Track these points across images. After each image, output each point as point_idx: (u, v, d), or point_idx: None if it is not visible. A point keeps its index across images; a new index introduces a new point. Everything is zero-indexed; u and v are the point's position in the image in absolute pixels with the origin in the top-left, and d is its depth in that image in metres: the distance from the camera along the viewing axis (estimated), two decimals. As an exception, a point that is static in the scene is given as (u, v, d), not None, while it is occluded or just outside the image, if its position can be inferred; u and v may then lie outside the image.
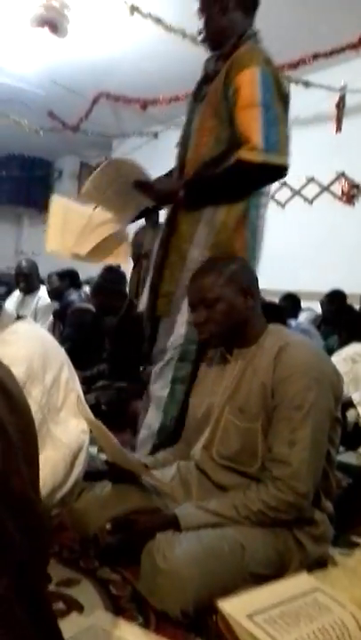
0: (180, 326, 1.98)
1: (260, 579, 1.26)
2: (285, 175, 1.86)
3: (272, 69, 1.85)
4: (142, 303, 2.12)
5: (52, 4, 3.97)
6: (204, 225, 1.89)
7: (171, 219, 1.98)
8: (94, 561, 1.45)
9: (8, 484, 0.72)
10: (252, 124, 1.81)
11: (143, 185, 1.87)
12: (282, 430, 1.36)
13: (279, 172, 1.84)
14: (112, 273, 3.57)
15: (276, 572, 1.31)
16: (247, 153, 1.79)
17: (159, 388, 1.97)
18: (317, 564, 1.39)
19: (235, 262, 1.58)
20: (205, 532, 1.29)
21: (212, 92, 1.89)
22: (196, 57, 4.32)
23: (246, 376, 1.49)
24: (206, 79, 1.99)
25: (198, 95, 2.01)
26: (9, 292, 5.20)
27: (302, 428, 1.34)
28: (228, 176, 1.86)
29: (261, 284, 1.62)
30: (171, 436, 1.91)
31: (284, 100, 1.87)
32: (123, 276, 3.76)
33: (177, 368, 1.95)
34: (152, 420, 1.97)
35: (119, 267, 3.54)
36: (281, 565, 1.33)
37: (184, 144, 2.01)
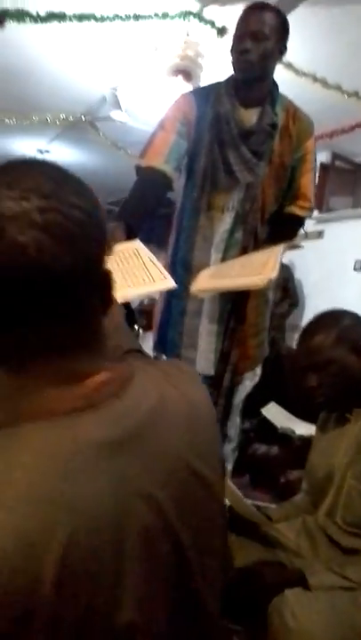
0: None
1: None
2: None
3: None
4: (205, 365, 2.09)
5: (188, 54, 4.15)
6: None
7: None
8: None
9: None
10: (310, 186, 2.14)
11: None
12: None
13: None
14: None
15: None
16: (302, 211, 2.15)
17: None
18: None
19: (343, 318, 1.47)
20: (339, 596, 1.24)
21: (285, 154, 2.07)
22: (326, 99, 4.35)
23: None
24: (265, 132, 2.04)
25: (258, 152, 2.03)
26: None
27: None
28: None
29: None
30: None
31: None
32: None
33: None
34: None
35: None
36: None
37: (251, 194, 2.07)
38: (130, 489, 0.62)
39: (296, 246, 1.97)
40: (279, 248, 1.83)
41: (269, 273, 1.72)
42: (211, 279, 1.92)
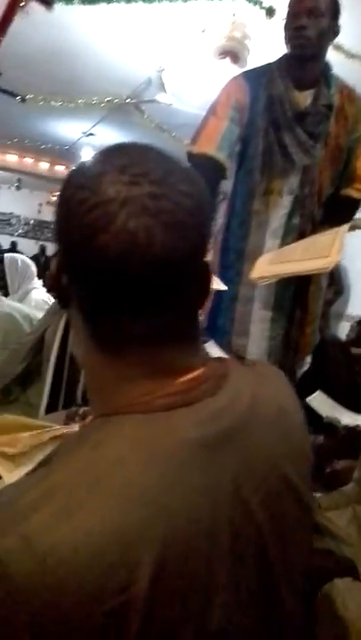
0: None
1: None
2: None
3: None
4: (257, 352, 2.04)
5: (235, 35, 4.08)
6: None
7: None
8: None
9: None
10: None
11: None
12: None
13: None
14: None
15: None
16: (359, 193, 2.09)
17: None
18: None
19: None
20: (390, 588, 1.23)
21: (341, 136, 2.01)
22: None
23: None
24: (320, 113, 1.98)
25: (314, 134, 1.98)
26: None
27: None
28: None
29: None
30: None
31: None
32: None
33: None
34: None
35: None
36: None
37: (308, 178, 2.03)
38: (223, 492, 0.61)
39: (359, 227, 1.93)
40: (344, 229, 1.79)
41: (336, 256, 1.67)
42: (271, 265, 1.87)
